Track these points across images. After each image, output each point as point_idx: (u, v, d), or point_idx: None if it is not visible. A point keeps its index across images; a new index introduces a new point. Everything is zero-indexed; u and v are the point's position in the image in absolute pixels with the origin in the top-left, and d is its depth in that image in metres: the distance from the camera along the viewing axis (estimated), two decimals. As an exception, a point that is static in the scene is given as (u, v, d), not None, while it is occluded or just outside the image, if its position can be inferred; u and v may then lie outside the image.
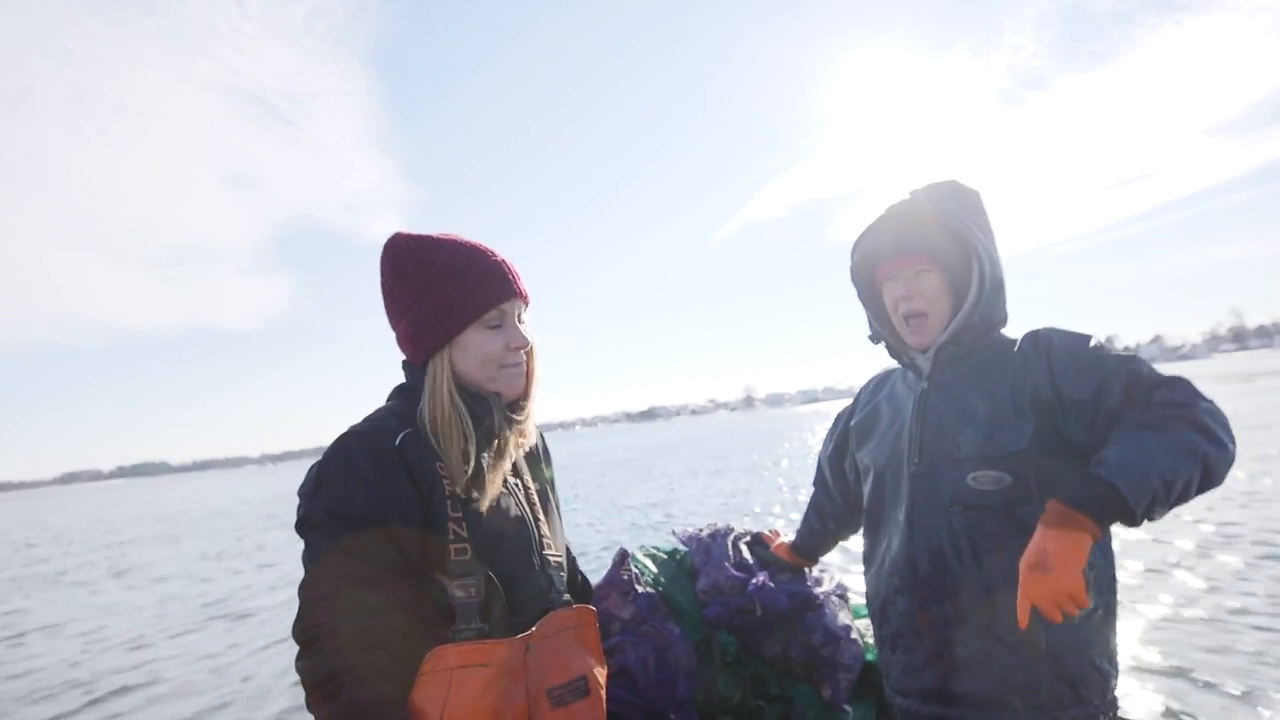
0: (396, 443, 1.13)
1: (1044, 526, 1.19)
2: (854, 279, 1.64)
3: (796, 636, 2.03)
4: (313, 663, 1.03)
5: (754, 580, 2.07)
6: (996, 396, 1.42)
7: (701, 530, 2.29)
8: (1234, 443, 1.20)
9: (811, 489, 2.04)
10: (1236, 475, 8.71)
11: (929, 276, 1.49)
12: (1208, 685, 3.50)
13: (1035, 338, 1.45)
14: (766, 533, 2.28)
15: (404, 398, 1.24)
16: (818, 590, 2.08)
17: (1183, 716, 3.24)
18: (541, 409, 1.35)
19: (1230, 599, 4.66)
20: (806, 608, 2.04)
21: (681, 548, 2.28)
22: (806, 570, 2.15)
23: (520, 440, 1.27)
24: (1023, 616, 1.18)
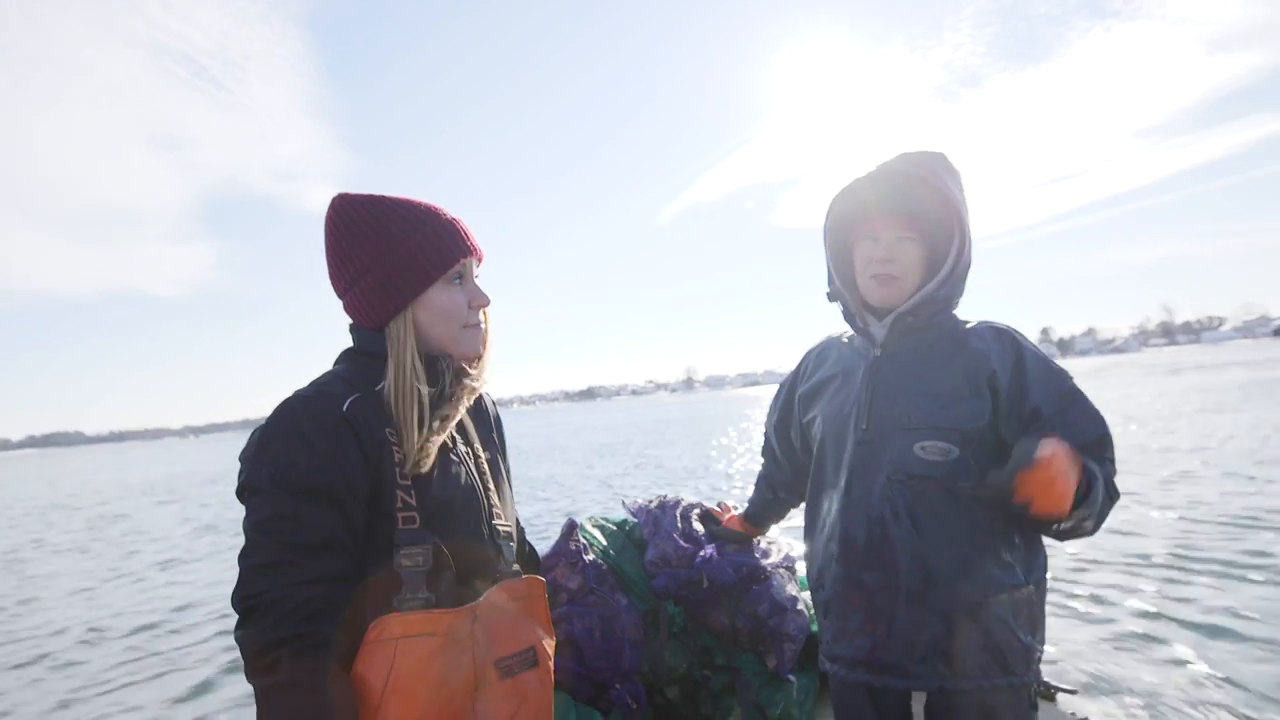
0: (344, 408, 1.09)
1: (1072, 452, 1.25)
2: (827, 232, 1.59)
3: (743, 608, 2.04)
4: (252, 632, 0.99)
5: (702, 552, 2.07)
6: (951, 370, 1.43)
7: (650, 502, 2.28)
8: None
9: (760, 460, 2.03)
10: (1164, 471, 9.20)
11: (910, 245, 1.48)
12: (1128, 656, 3.68)
13: (1000, 332, 1.47)
14: (716, 507, 2.28)
15: (352, 362, 1.19)
16: (765, 562, 2.10)
17: (1102, 685, 3.40)
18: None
19: (1150, 580, 4.91)
20: (753, 580, 2.06)
21: (630, 519, 2.27)
22: (755, 542, 2.15)
23: (470, 398, 1.24)
24: (1020, 471, 1.22)
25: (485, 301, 1.22)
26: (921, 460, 1.41)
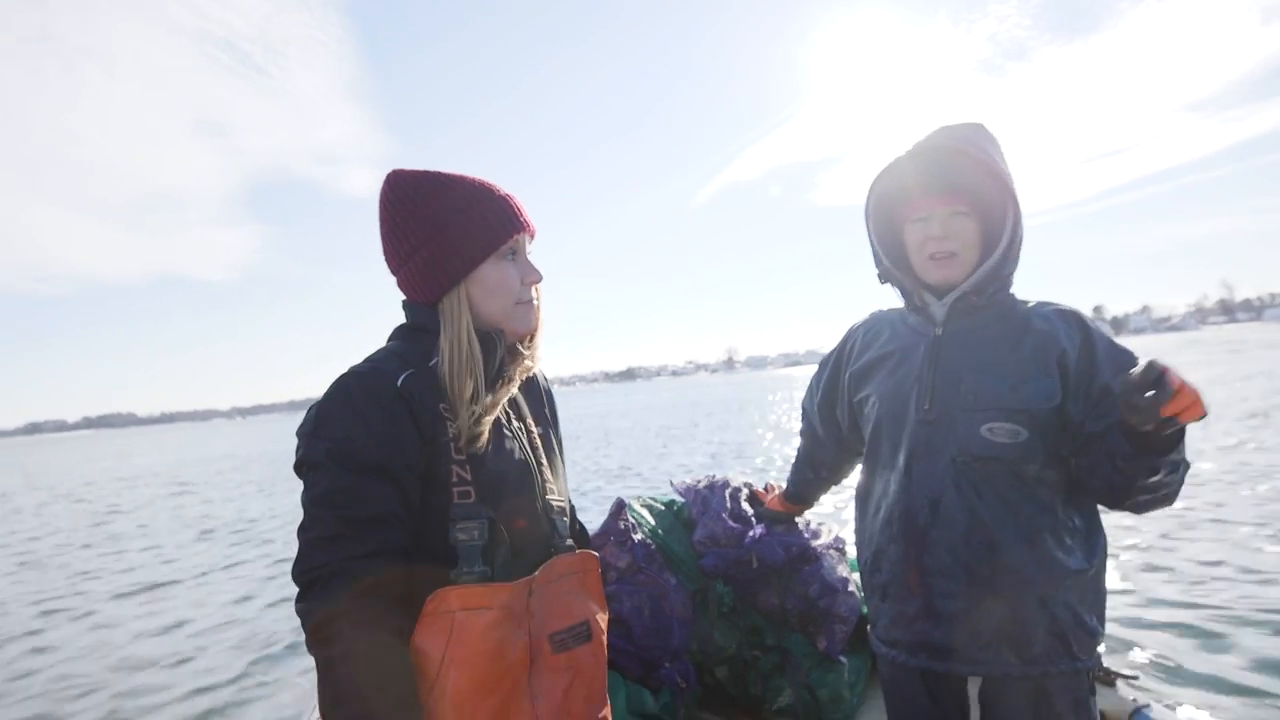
0: (398, 384, 1.10)
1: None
2: (873, 209, 1.55)
3: (793, 588, 2.02)
4: (312, 605, 1.01)
5: (751, 532, 2.06)
6: (1019, 350, 1.39)
7: (699, 482, 2.28)
8: None
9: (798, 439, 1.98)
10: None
11: (966, 220, 1.43)
12: (1186, 642, 3.59)
13: (1064, 312, 1.43)
14: (761, 489, 2.26)
15: (406, 338, 1.20)
16: (816, 543, 2.08)
17: (1163, 671, 3.32)
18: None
19: (1209, 564, 4.77)
20: (804, 560, 2.04)
21: (679, 499, 2.27)
22: (805, 522, 2.14)
23: (523, 375, 1.24)
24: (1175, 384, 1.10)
25: (538, 278, 1.22)
26: (989, 442, 1.37)
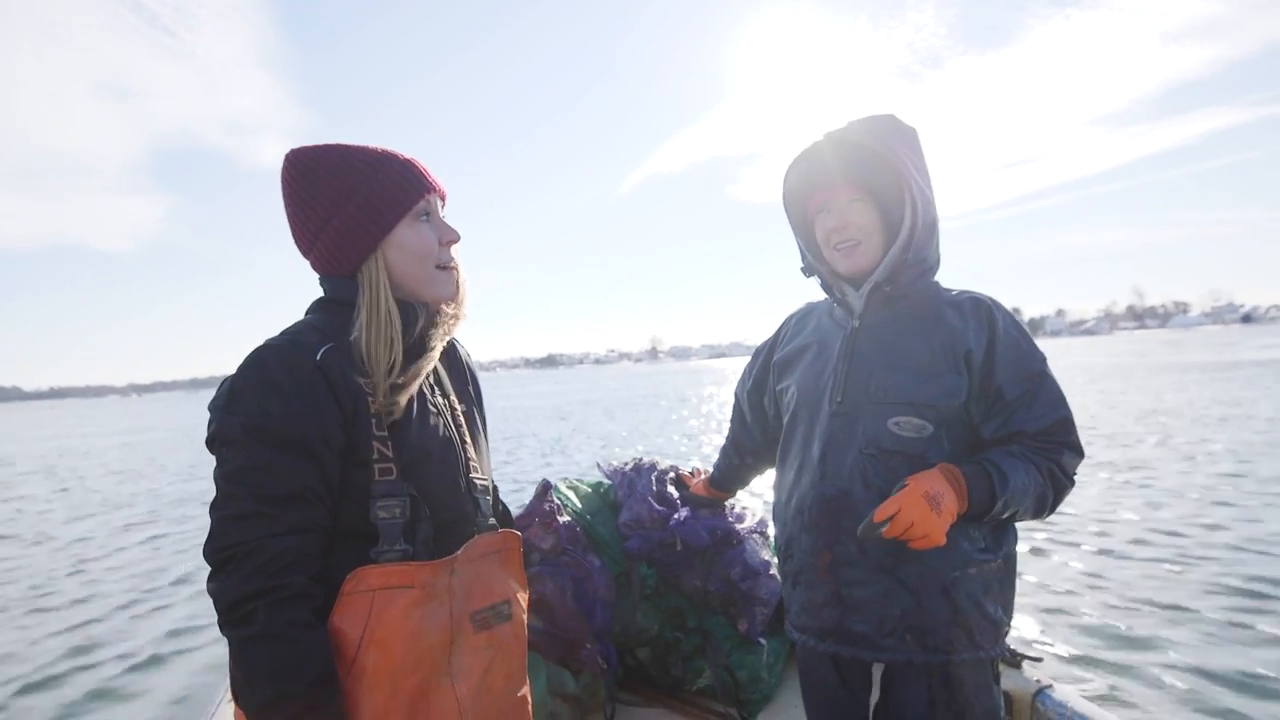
0: (317, 357, 1.06)
1: (945, 479, 1.31)
2: (786, 206, 1.60)
3: (716, 571, 2.05)
4: (226, 584, 0.98)
5: (676, 515, 2.08)
6: (930, 345, 1.42)
7: (626, 465, 2.28)
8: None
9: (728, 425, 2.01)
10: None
11: (861, 206, 1.46)
12: (1093, 630, 3.79)
13: (979, 303, 1.46)
14: (687, 472, 2.28)
15: (324, 311, 1.17)
16: (739, 527, 2.11)
17: (1068, 652, 3.50)
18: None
19: (1118, 559, 5.04)
20: (727, 543, 2.07)
21: (605, 481, 2.27)
22: (729, 506, 2.16)
23: (444, 339, 1.22)
24: (882, 514, 1.28)
25: (455, 237, 1.19)
26: (895, 436, 1.40)
